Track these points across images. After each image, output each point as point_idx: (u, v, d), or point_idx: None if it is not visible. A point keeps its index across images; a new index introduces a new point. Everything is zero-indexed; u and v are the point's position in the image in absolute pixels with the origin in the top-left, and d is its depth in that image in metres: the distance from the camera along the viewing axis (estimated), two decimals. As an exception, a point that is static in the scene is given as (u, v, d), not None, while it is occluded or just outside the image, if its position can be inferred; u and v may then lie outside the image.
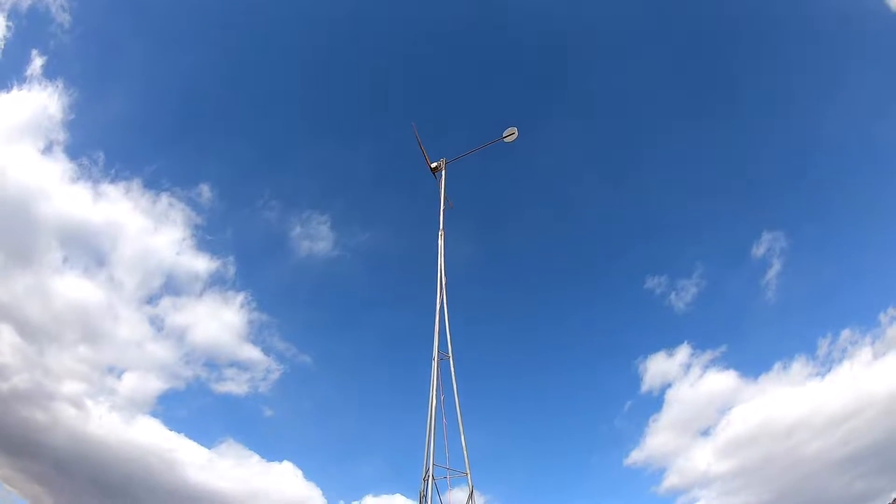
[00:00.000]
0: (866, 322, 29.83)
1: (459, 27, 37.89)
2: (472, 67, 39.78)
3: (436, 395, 11.98)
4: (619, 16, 36.15)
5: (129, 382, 30.56)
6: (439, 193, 13.00)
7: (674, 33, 36.80)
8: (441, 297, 11.98)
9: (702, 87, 37.39)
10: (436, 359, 12.04)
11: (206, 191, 34.65)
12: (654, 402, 32.22)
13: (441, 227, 12.56)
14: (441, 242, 12.38)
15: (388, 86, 39.33)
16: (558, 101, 39.00)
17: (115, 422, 28.56)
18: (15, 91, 30.00)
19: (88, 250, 31.09)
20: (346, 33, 38.03)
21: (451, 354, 12.08)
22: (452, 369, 12.20)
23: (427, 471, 11.40)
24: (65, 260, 30.25)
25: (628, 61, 37.66)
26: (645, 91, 38.09)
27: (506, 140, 13.59)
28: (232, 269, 34.38)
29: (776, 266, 33.09)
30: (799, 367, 30.18)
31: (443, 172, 13.14)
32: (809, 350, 30.71)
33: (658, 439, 31.15)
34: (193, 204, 34.02)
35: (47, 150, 30.22)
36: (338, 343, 37.85)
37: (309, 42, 38.10)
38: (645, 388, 32.38)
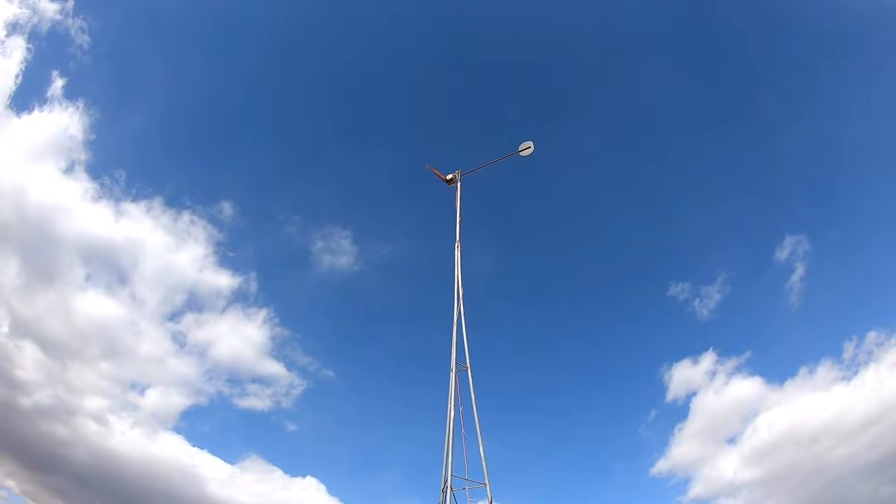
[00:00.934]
0: (892, 323, 28.87)
1: (479, 39, 37.94)
2: (491, 79, 39.73)
3: (454, 405, 12.02)
4: (636, 25, 35.97)
5: (152, 398, 30.93)
6: (455, 205, 13.16)
7: (689, 39, 36.49)
8: (458, 307, 12.04)
9: (720, 91, 36.91)
10: (453, 370, 12.08)
11: (227, 207, 34.98)
12: (680, 411, 31.65)
13: (458, 238, 12.67)
14: (458, 254, 12.47)
15: (408, 96, 39.39)
16: (577, 110, 38.88)
17: (138, 437, 28.95)
18: (36, 112, 30.58)
19: (111, 268, 31.55)
20: (364, 45, 38.36)
21: (469, 365, 12.12)
22: (471, 380, 12.24)
23: (445, 482, 11.41)
24: (87, 278, 30.70)
25: (646, 69, 37.36)
26: (664, 98, 37.76)
27: (522, 154, 13.62)
28: (254, 285, 34.60)
29: (800, 270, 32.40)
30: (824, 371, 29.48)
31: (458, 184, 13.33)
32: (835, 354, 29.79)
33: (683, 448, 30.65)
34: (215, 221, 34.29)
35: (69, 169, 30.77)
36: (360, 357, 37.83)
37: (328, 55, 38.28)
38: (670, 396, 31.84)
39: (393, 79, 39.05)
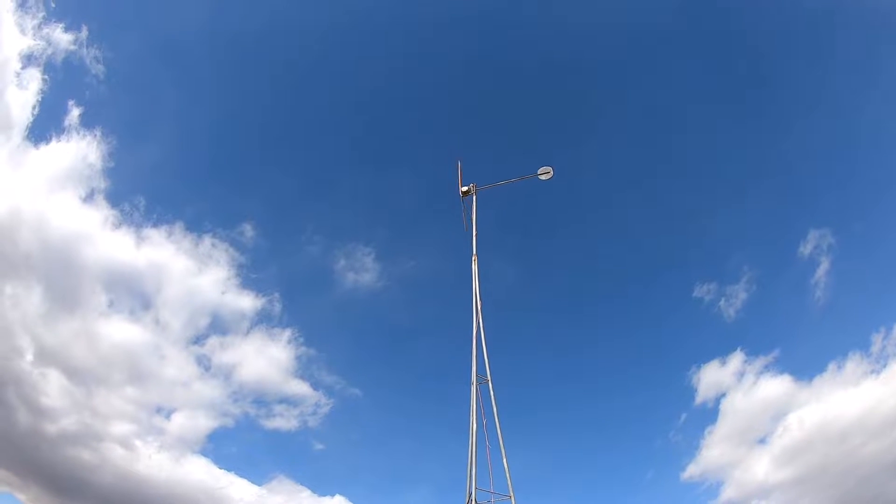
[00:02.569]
0: (920, 311, 28.46)
1: (498, 53, 38.38)
2: (511, 91, 40.11)
3: (476, 419, 11.97)
4: (649, 26, 35.79)
5: (178, 421, 31.52)
6: (471, 218, 13.12)
7: (703, 35, 36.16)
8: (477, 321, 12.02)
9: (738, 87, 36.59)
10: (474, 383, 12.04)
11: (248, 229, 35.64)
12: (709, 414, 31.56)
13: (474, 251, 12.65)
14: (475, 267, 12.43)
15: (428, 111, 39.88)
16: (596, 116, 38.93)
17: (164, 461, 29.47)
18: (54, 142, 31.28)
19: (133, 293, 32.23)
20: (384, 63, 38.74)
21: (489, 378, 12.09)
22: (492, 392, 12.19)
23: (470, 496, 11.34)
24: (110, 304, 31.39)
25: (661, 68, 37.17)
26: (681, 97, 37.58)
27: (540, 177, 13.51)
28: (278, 306, 35.20)
29: (824, 264, 32.12)
30: (853, 365, 29.02)
31: (473, 197, 13.30)
32: (863, 347, 29.33)
33: (714, 451, 30.53)
34: (236, 243, 34.92)
35: (89, 197, 31.49)
36: (386, 373, 38.32)
37: (347, 74, 38.78)
38: (699, 399, 31.75)
39: (413, 95, 39.45)
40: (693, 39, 36.22)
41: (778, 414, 29.62)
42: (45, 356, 27.91)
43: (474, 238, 12.84)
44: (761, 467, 28.85)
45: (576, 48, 37.97)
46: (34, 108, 30.59)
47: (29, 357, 27.37)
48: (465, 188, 13.26)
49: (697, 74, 36.77)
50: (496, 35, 37.80)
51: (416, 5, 37.29)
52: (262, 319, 34.75)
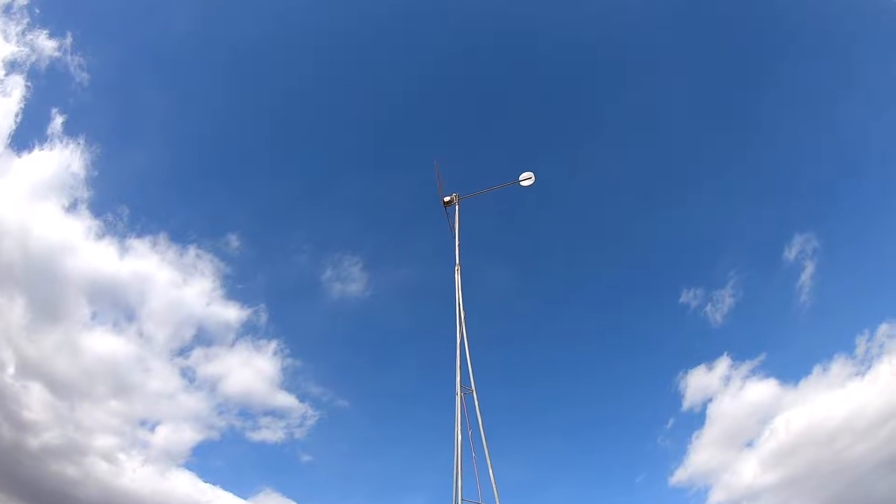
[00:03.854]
0: (903, 313, 28.84)
1: (489, 62, 38.20)
2: (502, 99, 39.84)
3: (461, 429, 11.96)
4: (636, 30, 35.95)
5: (163, 435, 30.70)
6: (454, 227, 13.14)
7: (689, 41, 36.37)
8: (461, 331, 12.01)
9: (721, 93, 36.79)
10: (459, 393, 12.03)
11: (233, 240, 34.84)
12: (697, 418, 31.33)
13: (457, 261, 12.65)
14: (457, 277, 12.46)
15: (414, 119, 39.41)
16: (584, 120, 38.86)
17: (149, 475, 28.74)
18: (37, 150, 30.55)
19: (117, 305, 31.44)
20: (371, 68, 38.24)
21: (473, 388, 12.08)
22: (476, 402, 12.20)
23: (456, 506, 11.29)
24: (93, 315, 30.52)
25: (648, 75, 37.35)
26: (668, 102, 37.73)
27: (522, 184, 13.63)
28: (264, 317, 34.30)
29: (809, 268, 32.12)
30: (838, 367, 29.13)
31: (456, 207, 13.33)
32: (848, 349, 29.42)
33: (702, 456, 30.34)
34: (222, 253, 34.12)
35: (72, 207, 30.67)
36: (374, 384, 37.57)
37: (333, 79, 38.33)
38: (686, 404, 31.55)
39: (399, 102, 39.10)
40: (679, 46, 36.58)
41: (765, 417, 29.80)
42: (28, 369, 27.29)
43: (457, 248, 12.91)
44: (749, 471, 28.86)
45: (563, 54, 38.17)
46: (17, 115, 29.86)
47: (10, 370, 26.77)
48: (447, 198, 13.29)
49: (683, 80, 37.14)
50: (484, 40, 37.98)
51: (403, 11, 37.28)
52: (248, 331, 33.99)
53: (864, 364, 28.44)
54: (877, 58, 32.15)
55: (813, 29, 34.01)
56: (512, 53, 38.15)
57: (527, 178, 13.56)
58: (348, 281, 36.42)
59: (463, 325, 11.96)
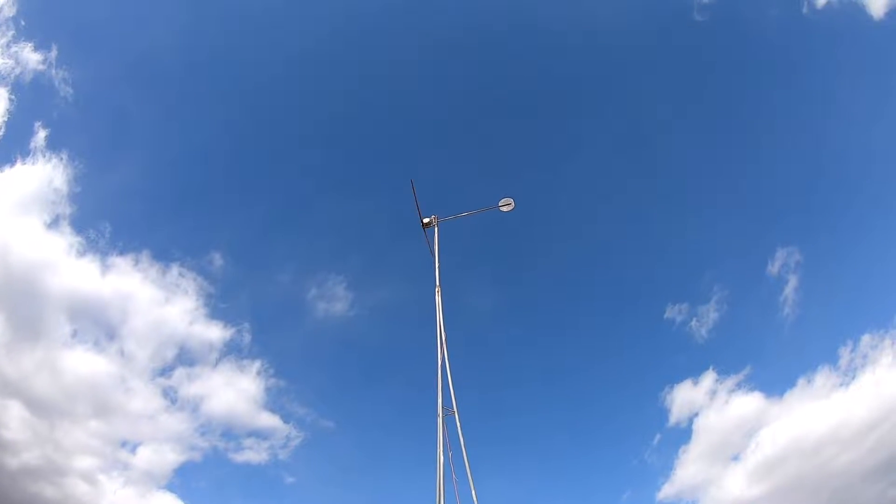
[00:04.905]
0: (885, 324, 29.34)
1: (470, 81, 38.97)
2: (485, 117, 40.34)
3: (443, 451, 11.86)
4: (620, 48, 36.84)
5: (144, 456, 30.33)
6: (433, 250, 13.13)
7: (675, 57, 37.39)
8: (442, 353, 11.98)
9: (705, 107, 37.98)
10: (440, 415, 11.95)
11: (217, 258, 34.79)
12: (683, 433, 31.72)
13: (437, 284, 12.62)
14: (438, 299, 12.43)
15: (399, 138, 39.81)
16: (567, 137, 39.55)
17: (130, 497, 28.35)
18: (19, 165, 30.29)
19: (98, 323, 31.12)
20: (353, 89, 38.76)
21: (455, 410, 12.01)
22: (458, 423, 12.10)
23: (438, 531, 11.16)
24: (74, 334, 30.23)
25: (631, 92, 38.17)
26: (650, 119, 38.67)
27: (501, 209, 13.58)
28: (247, 336, 34.24)
29: (792, 281, 32.95)
30: (822, 379, 29.70)
31: (436, 229, 13.33)
32: (831, 360, 30.11)
33: (689, 470, 30.67)
34: (205, 272, 34.04)
35: (53, 223, 30.38)
36: (359, 404, 37.37)
37: (318, 99, 38.60)
38: (673, 419, 32.02)
39: (381, 120, 39.47)
40: (662, 61, 37.27)
41: (751, 430, 30.11)
42: (6, 387, 26.75)
43: (437, 270, 12.87)
44: (736, 484, 29.13)
45: (544, 73, 38.75)
46: (0, 129, 29.68)
47: (-11, 388, 26.27)
48: (426, 220, 13.31)
49: (665, 97, 37.85)
50: (463, 56, 38.51)
51: (387, 30, 37.64)
52: (231, 350, 33.82)
53: (848, 375, 29.01)
54: (857, 73, 33.12)
55: (794, 44, 34.88)
56: (491, 68, 38.67)
57: (506, 204, 13.54)
58: (333, 300, 36.45)
59: (444, 347, 11.93)
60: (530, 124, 40.04)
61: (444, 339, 11.94)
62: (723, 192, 38.36)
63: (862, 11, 31.69)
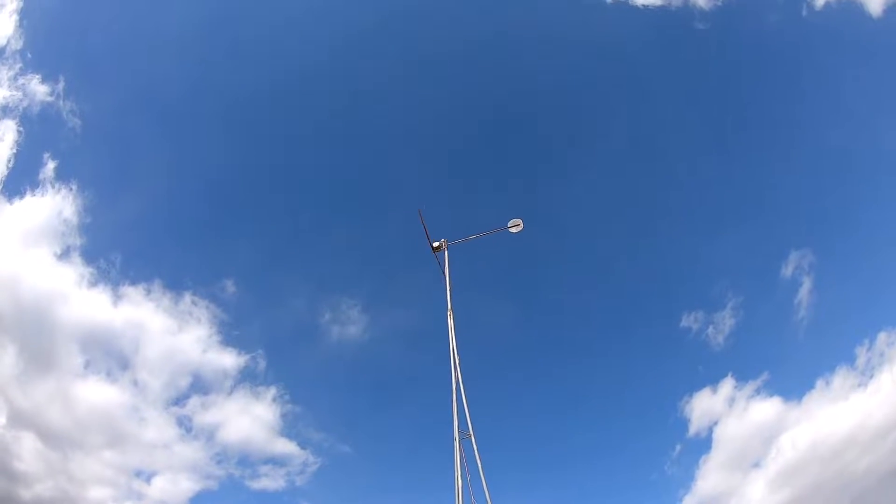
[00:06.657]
0: (900, 321, 29.16)
1: (483, 99, 38.22)
2: (497, 136, 39.50)
3: (460, 475, 11.87)
4: (629, 60, 36.60)
5: (159, 485, 29.85)
6: (444, 272, 13.25)
7: (685, 66, 37.19)
8: (456, 376, 12.03)
9: (712, 116, 37.07)
10: (457, 439, 11.99)
11: (230, 285, 34.21)
12: (704, 443, 30.90)
13: (449, 307, 12.76)
14: (450, 322, 12.54)
15: (409, 159, 39.15)
16: (579, 152, 39.06)
17: None
18: (28, 196, 30.44)
19: (111, 353, 30.82)
20: (365, 111, 38.38)
21: (472, 433, 12.04)
22: (475, 446, 12.15)
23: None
24: (86, 364, 29.94)
25: (641, 100, 37.69)
26: (663, 127, 37.79)
27: (510, 230, 13.81)
28: (262, 363, 33.56)
29: (807, 283, 32.15)
30: (840, 380, 29.11)
31: (445, 253, 13.49)
32: (849, 361, 29.38)
33: (710, 481, 29.90)
34: (217, 300, 33.46)
35: (64, 254, 30.35)
36: (376, 428, 36.43)
37: (328, 124, 38.32)
38: (693, 429, 31.12)
39: (393, 142, 38.87)
40: (671, 70, 37.22)
41: (770, 436, 29.58)
42: (19, 419, 26.73)
43: (448, 293, 13.00)
44: (757, 492, 28.52)
45: (555, 87, 38.76)
46: (9, 161, 29.85)
47: (2, 420, 26.23)
48: (436, 243, 13.46)
49: (677, 105, 37.53)
50: (472, 78, 38.50)
51: (397, 50, 37.91)
52: (246, 377, 33.19)
53: (866, 374, 28.57)
54: (848, 69, 33.13)
55: (796, 47, 34.89)
56: (497, 86, 38.71)
57: (515, 226, 13.76)
58: (347, 323, 35.80)
59: (458, 370, 11.97)
60: (540, 141, 40.07)
61: (457, 362, 12.02)
62: (732, 198, 38.06)
63: (860, 10, 32.03)
